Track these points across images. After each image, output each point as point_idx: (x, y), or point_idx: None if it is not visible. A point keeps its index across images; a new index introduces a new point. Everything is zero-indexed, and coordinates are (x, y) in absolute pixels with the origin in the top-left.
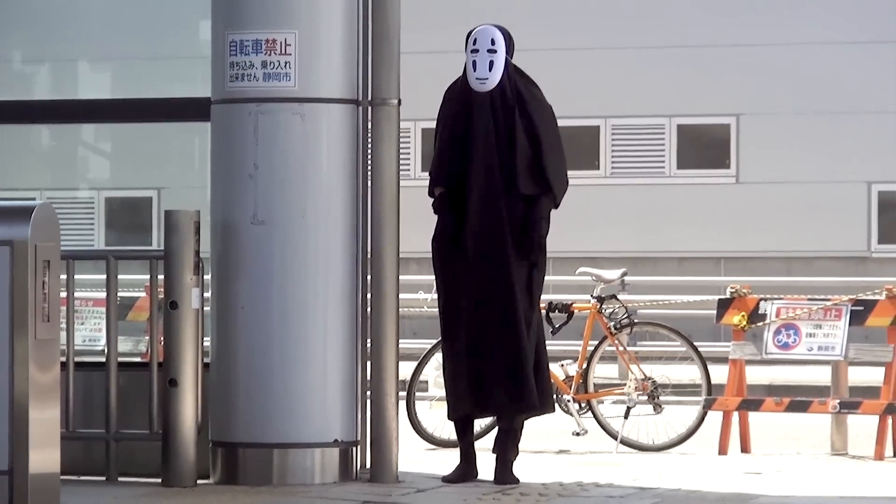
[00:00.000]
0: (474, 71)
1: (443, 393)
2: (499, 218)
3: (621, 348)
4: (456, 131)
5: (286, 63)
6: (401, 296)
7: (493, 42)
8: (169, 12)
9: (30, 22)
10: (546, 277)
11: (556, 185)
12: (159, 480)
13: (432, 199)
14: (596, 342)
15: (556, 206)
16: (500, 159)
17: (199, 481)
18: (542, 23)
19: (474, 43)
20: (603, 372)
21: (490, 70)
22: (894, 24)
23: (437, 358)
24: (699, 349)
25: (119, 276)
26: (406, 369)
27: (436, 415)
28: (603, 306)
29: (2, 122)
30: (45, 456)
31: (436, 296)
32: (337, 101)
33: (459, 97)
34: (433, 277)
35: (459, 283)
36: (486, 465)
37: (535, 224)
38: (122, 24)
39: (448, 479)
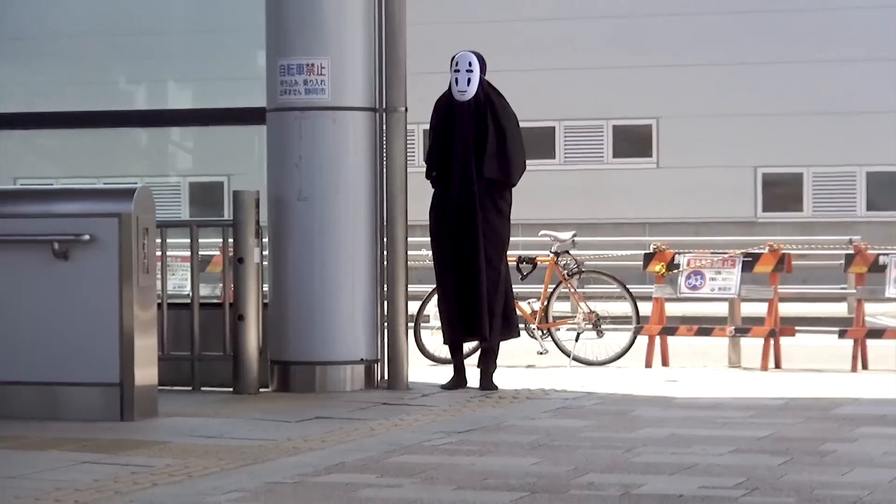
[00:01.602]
0: (456, 85)
1: (439, 323)
2: (471, 193)
3: (573, 290)
4: (443, 131)
5: (322, 81)
6: (408, 252)
7: (470, 64)
8: (234, 45)
9: (130, 52)
10: (515, 238)
11: (515, 170)
12: (231, 389)
13: (429, 179)
14: (554, 285)
15: (514, 185)
16: (474, 151)
17: (260, 390)
18: (510, 50)
19: (456, 65)
20: (559, 307)
21: (468, 85)
22: (780, 43)
23: (435, 298)
24: (630, 290)
25: (199, 240)
26: (413, 307)
27: (435, 339)
28: (559, 259)
29: (111, 126)
30: (146, 372)
31: (431, 252)
32: (360, 109)
33: (446, 105)
34: (430, 239)
35: (445, 241)
36: (473, 376)
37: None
38: (200, 54)
39: (445, 387)
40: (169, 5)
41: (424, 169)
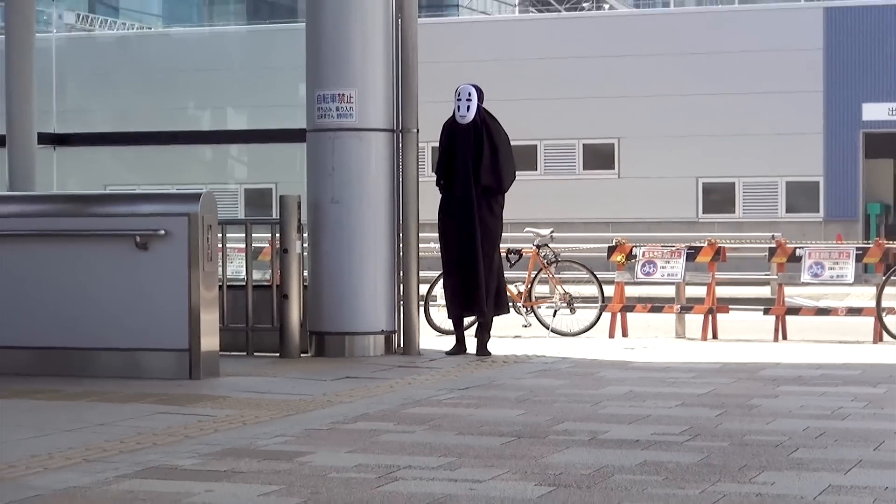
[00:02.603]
0: (458, 111)
1: (444, 301)
2: (470, 197)
3: (551, 275)
4: (448, 147)
5: (350, 108)
6: (419, 244)
7: (469, 94)
8: (280, 79)
9: (197, 85)
10: (505, 234)
11: (506, 179)
12: (277, 355)
13: (438, 186)
14: (536, 272)
15: (505, 191)
16: (472, 164)
17: (301, 355)
18: (502, 83)
19: (458, 95)
20: (540, 289)
21: (468, 111)
22: (717, 79)
23: (441, 281)
24: (597, 276)
25: (252, 235)
26: (423, 288)
27: (441, 315)
28: (540, 251)
29: (182, 143)
30: (209, 340)
31: (438, 245)
32: (380, 130)
33: (450, 127)
34: (438, 235)
35: (449, 236)
36: (471, 345)
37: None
38: (253, 86)
39: (449, 353)
40: (228, 49)
41: (433, 178)
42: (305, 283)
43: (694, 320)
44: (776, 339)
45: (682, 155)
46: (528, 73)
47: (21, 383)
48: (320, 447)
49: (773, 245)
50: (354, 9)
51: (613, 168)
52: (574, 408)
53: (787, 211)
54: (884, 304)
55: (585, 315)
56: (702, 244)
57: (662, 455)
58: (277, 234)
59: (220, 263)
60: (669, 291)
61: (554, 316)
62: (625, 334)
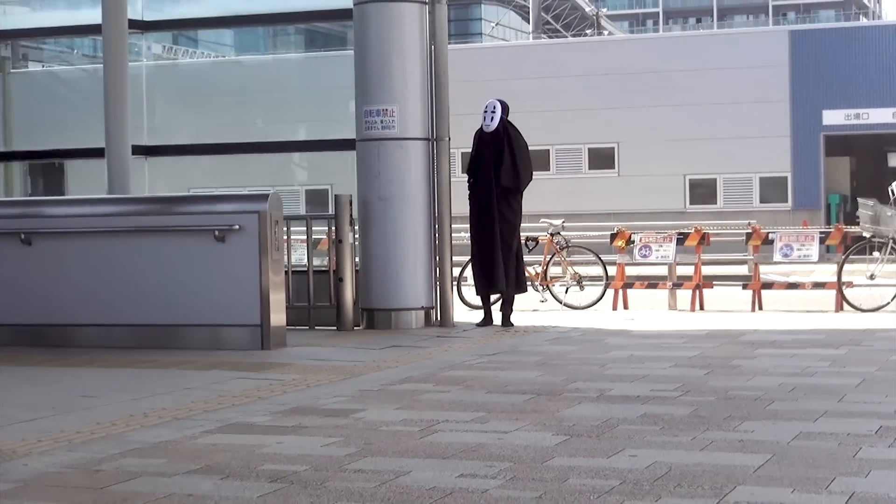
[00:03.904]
0: (484, 121)
1: (472, 281)
2: (491, 195)
3: (563, 259)
4: (476, 153)
5: (392, 121)
6: (452, 234)
7: (493, 108)
8: (334, 97)
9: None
10: (524, 224)
11: (523, 180)
12: (335, 328)
13: (468, 184)
14: (550, 255)
15: (522, 190)
16: (494, 167)
17: (354, 328)
18: (523, 97)
19: (485, 108)
20: (554, 270)
21: (492, 121)
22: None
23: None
24: (602, 258)
25: (312, 228)
26: (455, 271)
27: (471, 292)
28: (553, 238)
29: (253, 153)
30: (278, 317)
31: (468, 234)
32: (418, 139)
33: (478, 135)
34: (468, 225)
35: (476, 227)
36: (497, 317)
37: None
38: (312, 103)
39: (478, 325)
40: (289, 73)
41: (463, 178)
42: (357, 268)
43: (684, 295)
44: (753, 310)
45: (671, 156)
46: (541, 89)
47: (124, 355)
48: (371, 405)
49: (750, 231)
50: (395, 38)
51: (614, 168)
52: (584, 369)
53: (761, 202)
54: (844, 278)
55: (592, 291)
56: (689, 231)
57: (659, 408)
58: (333, 227)
59: (286, 252)
60: (663, 270)
61: (566, 292)
62: (626, 307)
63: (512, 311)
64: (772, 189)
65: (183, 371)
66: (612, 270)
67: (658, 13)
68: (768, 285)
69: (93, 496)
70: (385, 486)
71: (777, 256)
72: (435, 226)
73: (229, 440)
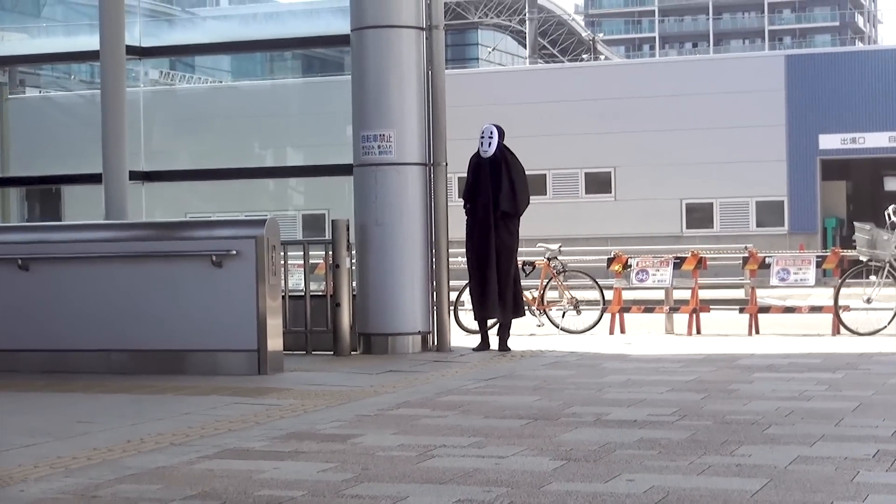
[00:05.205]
0: (482, 147)
1: (470, 306)
2: (489, 220)
3: (560, 283)
4: (474, 178)
5: (390, 146)
6: (449, 258)
7: (491, 133)
8: (331, 122)
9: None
10: (521, 248)
11: (521, 204)
12: (332, 353)
13: (465, 210)
14: (547, 280)
15: (520, 215)
16: (492, 192)
17: (351, 353)
18: (519, 123)
19: (482, 133)
20: (551, 295)
21: (489, 147)
22: (698, 116)
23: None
24: (598, 282)
25: (309, 253)
26: (452, 295)
27: (468, 317)
28: (550, 262)
29: (249, 178)
30: (275, 342)
31: (465, 259)
32: (415, 164)
33: (475, 160)
34: (465, 250)
35: (473, 252)
36: (494, 342)
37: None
38: (309, 128)
39: (475, 350)
40: (287, 98)
41: (460, 203)
42: (354, 293)
43: (681, 319)
44: (750, 334)
45: (668, 180)
46: (537, 114)
47: (121, 380)
48: (369, 430)
49: (747, 255)
50: (392, 63)
51: (611, 192)
52: (581, 394)
53: (758, 226)
54: (840, 302)
55: (589, 316)
56: (686, 255)
57: (656, 433)
58: (330, 252)
59: (283, 277)
60: (659, 295)
61: (563, 317)
62: (623, 331)
63: (509, 335)
64: (768, 213)
65: (180, 396)
66: (608, 295)
67: (654, 38)
68: (765, 309)
69: None
70: None
71: (774, 280)
72: (432, 250)
73: (226, 466)
